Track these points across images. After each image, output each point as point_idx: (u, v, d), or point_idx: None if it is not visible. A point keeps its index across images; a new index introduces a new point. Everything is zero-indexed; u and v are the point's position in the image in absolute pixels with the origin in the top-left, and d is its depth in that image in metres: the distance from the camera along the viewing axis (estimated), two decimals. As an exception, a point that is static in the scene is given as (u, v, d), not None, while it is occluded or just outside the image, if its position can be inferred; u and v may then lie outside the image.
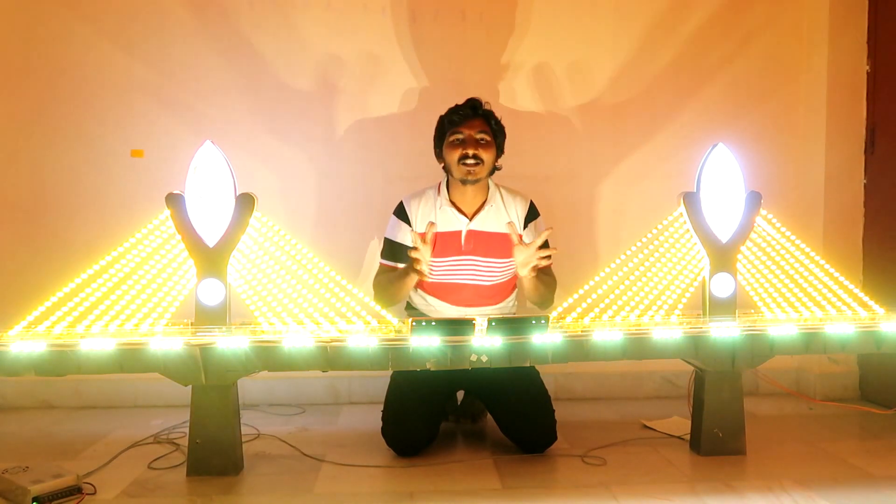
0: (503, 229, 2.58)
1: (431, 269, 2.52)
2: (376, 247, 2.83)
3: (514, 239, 2.44)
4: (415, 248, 2.37)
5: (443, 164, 2.62)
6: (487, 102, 2.62)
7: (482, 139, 2.53)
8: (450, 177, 2.60)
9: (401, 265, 2.60)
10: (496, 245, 2.56)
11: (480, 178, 2.55)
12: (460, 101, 2.60)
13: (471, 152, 2.50)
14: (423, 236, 2.41)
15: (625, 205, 3.21)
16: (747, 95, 3.23)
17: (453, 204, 2.61)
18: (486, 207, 2.61)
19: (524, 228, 2.62)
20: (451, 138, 2.54)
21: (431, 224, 2.44)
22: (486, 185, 2.63)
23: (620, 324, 2.28)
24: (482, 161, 2.52)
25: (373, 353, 2.12)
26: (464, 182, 2.55)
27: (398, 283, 2.51)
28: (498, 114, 2.64)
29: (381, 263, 2.67)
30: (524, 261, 2.42)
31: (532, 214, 2.65)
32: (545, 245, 2.44)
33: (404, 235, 2.61)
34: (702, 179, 2.37)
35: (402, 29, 3.12)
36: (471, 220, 2.60)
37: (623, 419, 2.84)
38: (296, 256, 2.24)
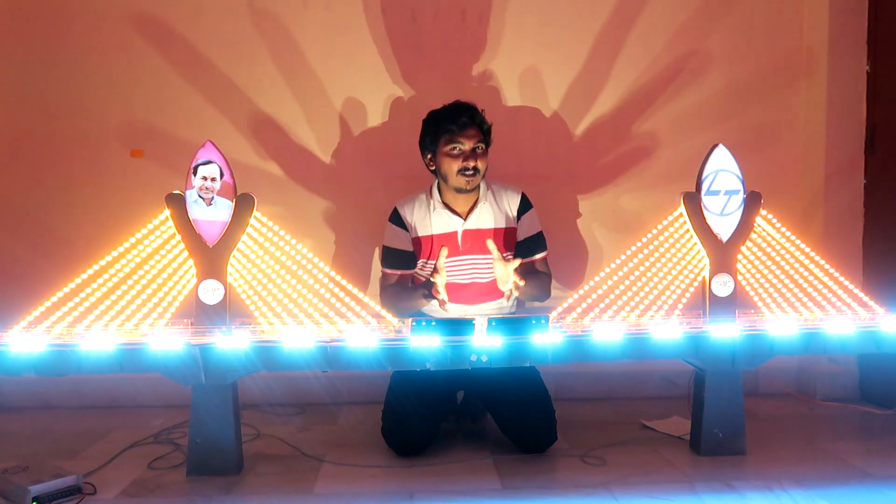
0: (498, 225, 2.59)
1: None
2: (378, 255, 2.83)
3: (495, 255, 2.45)
4: (433, 283, 2.39)
5: (433, 167, 2.62)
6: (483, 110, 2.61)
7: (479, 148, 2.54)
8: (441, 180, 2.61)
9: (403, 271, 2.61)
10: (493, 241, 2.56)
11: (476, 187, 2.56)
12: (460, 101, 2.60)
13: (471, 165, 2.51)
14: (434, 266, 2.44)
15: (625, 205, 3.21)
16: (747, 95, 3.22)
17: (446, 206, 2.62)
18: (479, 205, 2.62)
19: (518, 221, 2.63)
20: (449, 148, 2.54)
21: (443, 248, 2.45)
22: (477, 184, 2.63)
23: (620, 324, 2.28)
24: (479, 171, 2.54)
25: (373, 353, 2.13)
26: (459, 191, 2.57)
27: (414, 303, 2.54)
28: (497, 114, 2.64)
29: (383, 272, 2.68)
30: (502, 278, 2.46)
31: (524, 206, 2.66)
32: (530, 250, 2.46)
33: (402, 241, 2.62)
34: (702, 179, 2.37)
35: (402, 29, 3.12)
36: (465, 219, 2.61)
37: (623, 419, 2.83)
38: (296, 256, 2.24)
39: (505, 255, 2.56)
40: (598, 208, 3.21)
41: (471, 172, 2.52)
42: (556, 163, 3.18)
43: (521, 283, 2.41)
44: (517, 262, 2.41)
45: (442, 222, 2.61)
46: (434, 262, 2.51)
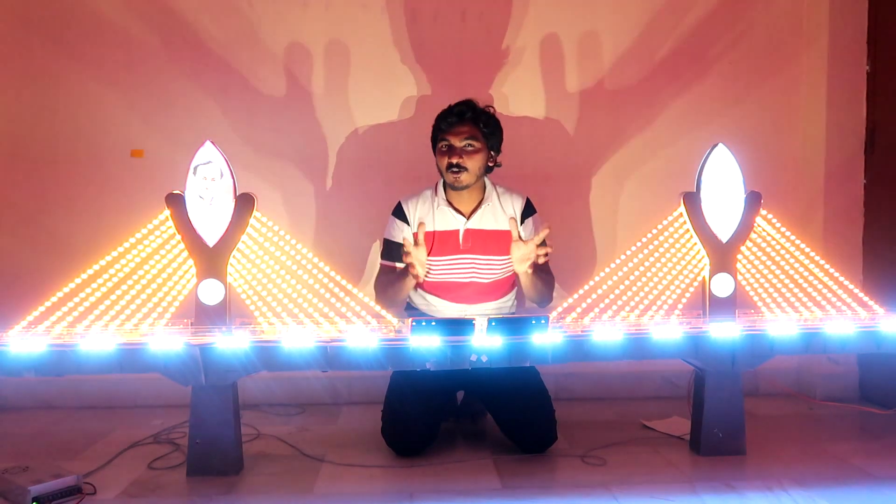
0: (501, 227, 2.60)
1: (431, 269, 2.54)
2: (378, 249, 2.84)
3: (514, 235, 2.45)
4: (407, 253, 2.38)
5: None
6: (488, 107, 2.62)
7: (468, 146, 2.54)
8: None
9: (400, 264, 2.61)
10: (494, 243, 2.57)
11: (468, 185, 2.57)
12: (466, 100, 2.60)
13: (455, 161, 2.52)
14: (415, 237, 2.42)
15: (625, 205, 3.21)
16: (747, 95, 3.23)
17: (450, 204, 2.62)
18: (483, 206, 2.62)
19: (521, 225, 2.63)
20: (439, 145, 2.57)
21: (421, 224, 2.45)
22: (483, 185, 2.64)
23: (620, 324, 2.28)
24: (467, 169, 2.53)
25: (373, 353, 2.13)
26: (452, 188, 2.58)
27: (397, 286, 2.53)
28: (497, 114, 2.63)
29: (381, 264, 2.69)
30: (522, 257, 2.44)
31: (529, 211, 2.66)
32: (543, 242, 2.44)
33: (403, 235, 2.62)
34: (702, 179, 2.37)
35: (401, 29, 3.12)
36: (468, 219, 2.61)
37: (623, 419, 2.84)
38: (296, 256, 2.24)
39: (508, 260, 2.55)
40: (597, 209, 3.21)
41: (456, 170, 2.52)
42: (556, 163, 3.19)
43: (550, 250, 2.38)
44: (543, 234, 2.39)
45: (444, 220, 2.61)
46: (433, 258, 2.52)
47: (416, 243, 2.41)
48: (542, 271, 2.52)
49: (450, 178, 2.55)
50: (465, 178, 2.54)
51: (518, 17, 3.15)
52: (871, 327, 2.32)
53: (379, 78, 3.13)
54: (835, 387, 3.16)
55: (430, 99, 3.09)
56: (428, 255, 2.59)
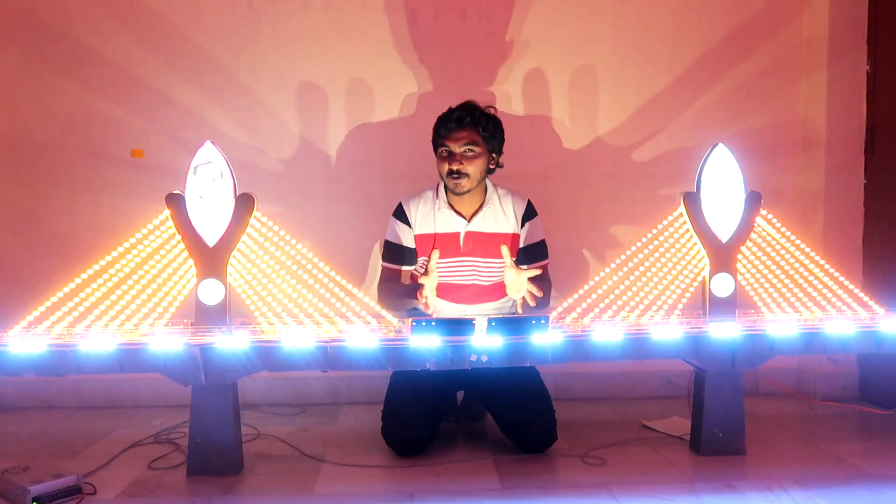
0: (501, 230, 2.59)
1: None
2: (379, 250, 2.84)
3: (507, 262, 2.43)
4: (420, 286, 2.36)
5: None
6: (489, 107, 2.61)
7: (468, 151, 2.53)
8: None
9: (402, 267, 2.61)
10: (495, 245, 2.56)
11: (469, 190, 2.56)
12: (461, 102, 2.59)
13: (455, 168, 2.51)
14: (425, 267, 2.42)
15: (625, 205, 3.21)
16: (747, 96, 3.23)
17: (451, 206, 2.62)
18: (484, 209, 2.61)
19: (521, 227, 2.63)
20: (439, 150, 2.57)
21: (434, 250, 2.44)
22: (484, 187, 2.64)
23: (620, 324, 2.28)
24: (468, 175, 2.52)
25: (373, 353, 2.13)
26: (453, 193, 2.58)
27: (404, 300, 2.52)
28: (498, 112, 2.63)
29: (382, 266, 2.68)
30: (514, 286, 2.41)
31: (529, 214, 2.66)
32: (532, 257, 2.43)
33: (404, 237, 2.62)
34: (702, 179, 2.37)
35: (401, 29, 3.12)
36: (469, 221, 2.61)
37: (623, 419, 2.84)
38: (296, 256, 2.24)
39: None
40: (598, 208, 3.21)
41: (456, 176, 2.52)
42: (556, 163, 3.19)
43: (540, 295, 2.39)
44: (532, 272, 2.39)
45: (445, 222, 2.61)
46: (438, 260, 2.51)
47: (427, 272, 2.40)
48: (537, 278, 2.51)
49: (450, 183, 2.54)
50: (465, 183, 2.54)
51: (519, 15, 3.15)
52: (871, 327, 2.32)
53: (379, 76, 3.13)
54: (835, 387, 3.16)
55: (429, 100, 3.09)
56: (429, 256, 2.59)
